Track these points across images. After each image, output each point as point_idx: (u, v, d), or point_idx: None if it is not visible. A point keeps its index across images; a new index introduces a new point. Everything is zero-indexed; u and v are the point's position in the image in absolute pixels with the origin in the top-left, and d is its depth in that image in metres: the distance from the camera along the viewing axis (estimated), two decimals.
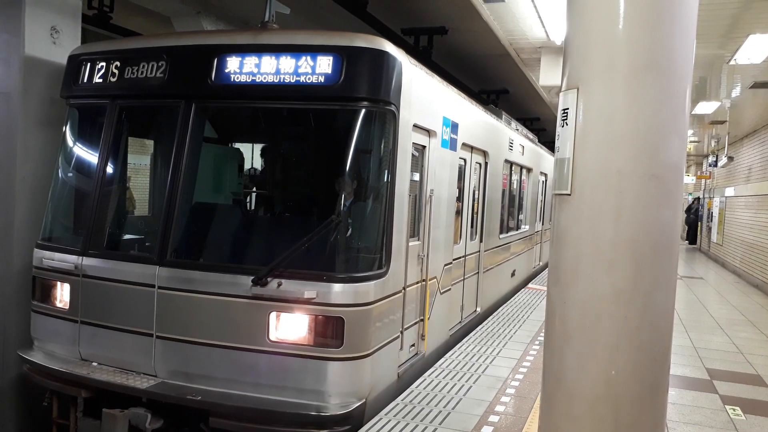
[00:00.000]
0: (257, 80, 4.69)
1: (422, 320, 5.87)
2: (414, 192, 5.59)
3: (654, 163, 2.61)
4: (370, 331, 4.61)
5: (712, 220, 22.70)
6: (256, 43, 4.80)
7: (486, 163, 8.37)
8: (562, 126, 2.83)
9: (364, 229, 5.01)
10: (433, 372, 5.94)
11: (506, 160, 9.66)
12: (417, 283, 5.68)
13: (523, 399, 5.36)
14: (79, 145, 5.61)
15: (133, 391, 4.59)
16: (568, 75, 2.82)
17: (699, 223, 26.90)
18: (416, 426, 4.61)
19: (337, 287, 4.47)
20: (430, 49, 8.88)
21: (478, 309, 8.51)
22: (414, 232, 5.65)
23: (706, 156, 24.90)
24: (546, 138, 18.85)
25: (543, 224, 14.75)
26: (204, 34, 5.78)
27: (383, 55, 4.68)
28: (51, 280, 5.25)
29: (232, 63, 4.76)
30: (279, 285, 4.46)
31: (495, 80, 12.37)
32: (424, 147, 5.72)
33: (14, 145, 5.69)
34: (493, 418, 4.86)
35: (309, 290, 4.42)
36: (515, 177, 11.04)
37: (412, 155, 5.35)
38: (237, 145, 7.27)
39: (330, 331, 4.45)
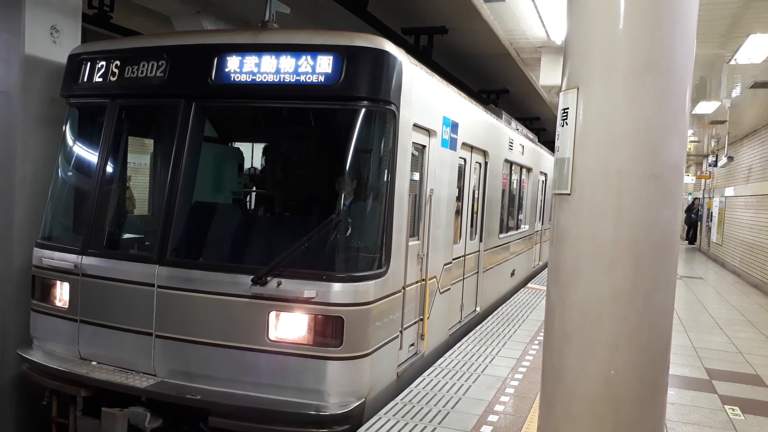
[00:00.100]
0: (257, 80, 4.69)
1: (422, 320, 5.87)
2: (414, 191, 5.59)
3: (654, 163, 2.61)
4: (370, 331, 4.62)
5: (711, 220, 22.70)
6: (256, 43, 4.80)
7: (486, 163, 8.37)
8: (562, 126, 2.83)
9: (363, 229, 5.01)
10: (432, 371, 5.94)
11: (506, 160, 9.66)
12: (416, 282, 5.68)
13: (522, 399, 5.36)
14: (79, 144, 5.61)
15: (132, 391, 4.59)
16: (568, 75, 2.82)
17: (699, 222, 26.90)
18: (415, 425, 4.61)
19: (336, 287, 4.47)
20: (430, 48, 8.88)
21: (478, 308, 8.51)
22: (414, 231, 5.65)
23: (706, 156, 24.90)
24: (546, 138, 18.85)
25: (543, 224, 14.75)
26: (204, 34, 5.77)
27: (383, 54, 4.68)
28: (50, 279, 5.25)
29: (232, 62, 4.76)
30: (279, 284, 4.46)
31: (495, 80, 12.37)
32: (424, 146, 5.72)
33: (14, 144, 5.69)
34: (493, 418, 4.87)
35: (309, 290, 4.42)
36: (515, 176, 11.04)
37: (412, 155, 5.35)
38: (237, 145, 7.27)
39: (329, 330, 4.45)
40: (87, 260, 5.06)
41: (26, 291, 5.54)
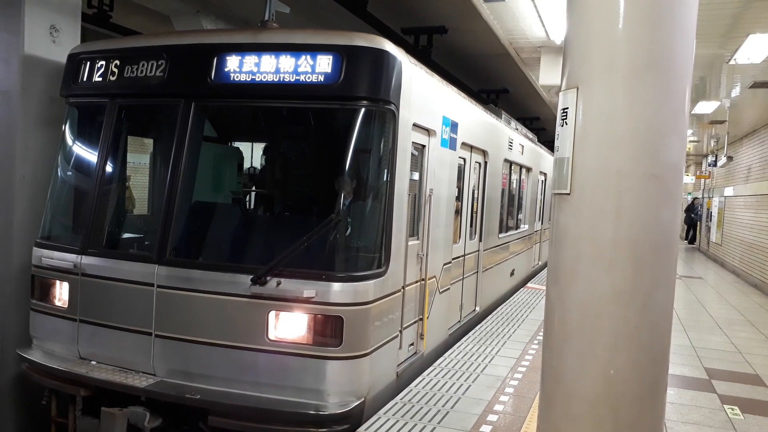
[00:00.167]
0: (257, 79, 4.69)
1: (421, 319, 5.87)
2: (413, 191, 5.59)
3: (654, 163, 2.61)
4: (369, 331, 4.62)
5: (711, 220, 22.71)
6: (255, 42, 4.79)
7: (485, 163, 8.37)
8: (562, 125, 2.83)
9: (363, 229, 5.01)
10: (432, 371, 5.95)
11: (506, 160, 9.66)
12: (416, 282, 5.68)
13: (521, 398, 5.36)
14: (79, 143, 5.61)
15: (131, 390, 4.59)
16: (568, 74, 2.82)
17: (698, 222, 26.92)
18: (415, 425, 4.61)
19: (336, 286, 4.47)
20: (429, 48, 8.88)
21: (477, 308, 8.51)
22: (413, 231, 5.65)
23: (706, 156, 24.91)
24: (546, 137, 18.86)
25: (542, 224, 14.76)
26: (204, 33, 5.77)
27: (383, 54, 4.68)
28: (50, 278, 5.25)
29: (232, 62, 4.76)
30: (278, 284, 4.46)
31: (495, 80, 12.37)
32: (423, 146, 5.72)
33: (14, 143, 5.68)
34: (492, 418, 4.87)
35: (308, 289, 4.42)
36: (515, 176, 11.04)
37: (412, 154, 5.35)
38: (236, 144, 7.27)
39: (329, 330, 4.45)
40: (86, 260, 5.06)
41: (26, 290, 5.53)
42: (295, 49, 4.64)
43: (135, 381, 4.66)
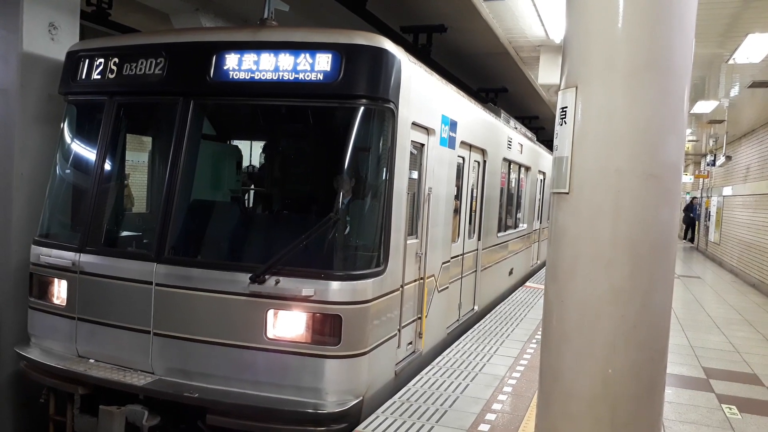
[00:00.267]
0: (256, 77, 4.68)
1: (420, 318, 5.87)
2: (412, 190, 5.59)
3: (652, 163, 2.61)
4: (368, 329, 4.62)
5: (709, 220, 22.74)
6: (254, 41, 4.79)
7: (484, 162, 8.37)
8: (561, 125, 2.83)
9: (362, 227, 5.01)
10: (430, 370, 5.95)
11: (505, 159, 9.66)
12: (415, 281, 5.68)
13: (520, 397, 5.37)
14: (77, 141, 5.60)
15: (130, 388, 4.59)
16: (567, 74, 2.82)
17: (697, 222, 26.95)
18: (413, 424, 4.61)
19: (334, 285, 4.47)
20: (429, 47, 8.87)
21: (476, 307, 8.52)
22: (412, 230, 5.65)
23: (705, 155, 24.94)
24: (545, 136, 18.86)
25: (541, 223, 14.76)
26: (203, 31, 5.76)
27: (382, 52, 4.68)
28: (48, 276, 5.25)
29: (231, 60, 4.75)
30: (277, 282, 4.46)
31: (494, 79, 12.37)
32: (422, 145, 5.71)
33: (12, 141, 5.67)
34: (490, 416, 4.87)
35: (307, 288, 4.41)
36: (514, 175, 11.04)
37: (411, 153, 5.35)
38: (235, 143, 7.26)
39: (327, 328, 4.45)
40: (85, 258, 5.05)
41: (24, 288, 5.53)
42: (295, 48, 4.64)
43: (133, 379, 4.66)
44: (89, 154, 5.41)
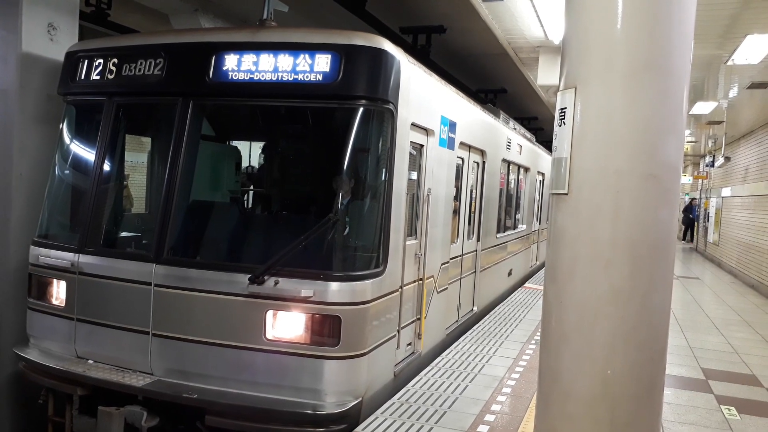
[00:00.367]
0: (255, 78, 4.68)
1: (419, 319, 5.87)
2: (411, 191, 5.59)
3: (651, 163, 2.61)
4: (367, 330, 4.61)
5: (708, 220, 22.76)
6: (254, 41, 4.78)
7: (484, 163, 8.38)
8: (560, 125, 2.83)
9: (361, 228, 5.01)
10: (429, 371, 5.95)
11: (504, 160, 9.67)
12: (414, 282, 5.68)
13: (519, 398, 5.37)
14: (76, 142, 5.59)
15: (129, 389, 4.58)
16: (566, 74, 2.82)
17: (695, 223, 26.97)
18: (412, 425, 4.61)
19: (334, 286, 4.47)
20: (428, 47, 8.87)
21: (475, 308, 8.52)
22: (411, 231, 5.65)
23: (703, 156, 24.96)
24: (544, 137, 18.87)
25: (540, 224, 14.77)
26: (202, 32, 5.76)
27: (382, 53, 4.68)
28: (47, 277, 5.24)
29: (230, 61, 4.75)
30: (276, 283, 4.45)
31: (493, 79, 12.37)
32: (421, 146, 5.71)
33: (11, 142, 5.67)
34: (489, 417, 4.87)
35: (306, 289, 4.41)
36: (513, 176, 11.05)
37: (410, 154, 5.35)
38: (234, 143, 7.26)
39: (327, 329, 4.45)
40: (84, 258, 5.05)
41: (23, 289, 5.52)
42: (294, 48, 4.64)
43: (132, 380, 4.65)
44: (88, 154, 5.41)
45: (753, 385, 6.40)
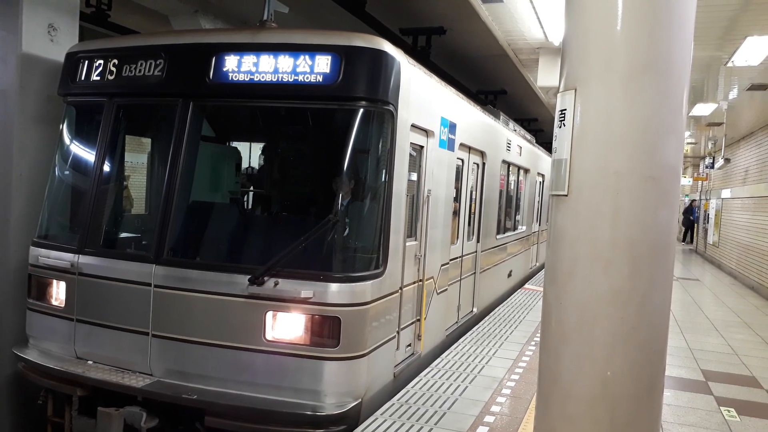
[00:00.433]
0: (255, 79, 4.68)
1: (419, 320, 5.87)
2: (411, 192, 5.59)
3: (651, 164, 2.62)
4: (367, 331, 4.61)
5: (708, 222, 22.76)
6: (254, 42, 4.79)
7: (484, 164, 8.38)
8: (560, 127, 2.84)
9: (361, 229, 5.01)
10: (429, 372, 5.95)
11: (504, 161, 9.67)
12: (414, 283, 5.68)
13: (518, 399, 5.36)
14: (76, 142, 5.60)
15: (128, 390, 4.58)
16: (566, 76, 2.83)
17: (695, 224, 26.98)
18: (412, 426, 4.61)
19: (333, 287, 4.47)
20: (428, 49, 8.88)
21: (475, 309, 8.52)
22: (411, 232, 5.65)
23: (703, 158, 24.97)
24: (544, 139, 18.88)
25: (540, 225, 14.77)
26: (202, 33, 5.76)
27: (382, 54, 4.68)
28: (47, 278, 5.24)
29: (230, 62, 4.75)
30: (276, 284, 4.45)
31: (493, 81, 12.38)
32: (421, 147, 5.72)
33: (10, 142, 5.67)
34: (489, 419, 4.87)
35: (306, 290, 4.41)
36: (513, 177, 11.05)
37: (410, 155, 5.35)
38: (234, 144, 7.26)
39: (326, 330, 4.45)
40: (84, 259, 5.05)
41: (22, 290, 5.52)
42: (294, 49, 4.64)
43: (132, 381, 4.65)
44: (88, 155, 5.41)
45: (753, 387, 6.40)
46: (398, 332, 5.33)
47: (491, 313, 9.10)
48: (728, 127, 15.98)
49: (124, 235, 5.86)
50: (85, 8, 7.29)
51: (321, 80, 4.55)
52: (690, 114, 13.66)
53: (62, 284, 5.15)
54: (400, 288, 5.27)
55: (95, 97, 5.33)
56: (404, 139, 5.09)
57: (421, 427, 4.59)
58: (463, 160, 7.40)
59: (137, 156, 9.48)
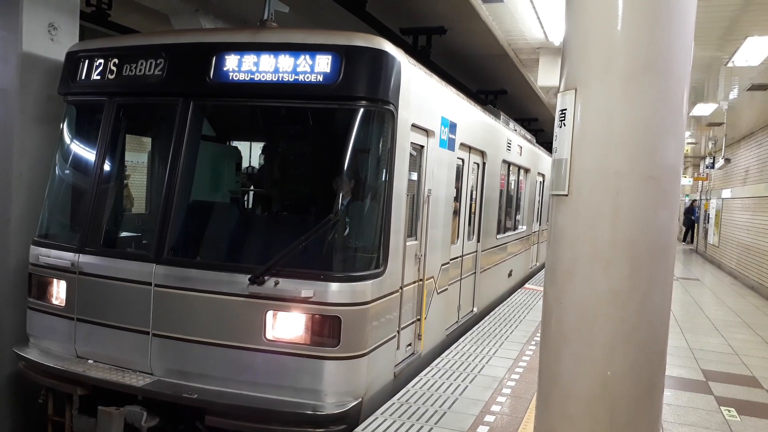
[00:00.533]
0: (255, 78, 4.68)
1: (419, 320, 5.87)
2: (412, 192, 5.59)
3: (651, 165, 2.62)
4: (367, 331, 4.61)
5: (708, 222, 22.76)
6: (254, 42, 4.79)
7: (484, 164, 8.38)
8: (560, 127, 2.84)
9: (361, 229, 5.01)
10: (429, 371, 5.95)
11: (504, 161, 9.67)
12: (414, 282, 5.68)
13: (519, 399, 5.37)
14: (77, 142, 5.60)
15: (128, 389, 4.58)
16: (566, 76, 2.83)
17: (696, 224, 26.98)
18: (412, 425, 4.61)
19: (334, 286, 4.47)
20: (428, 48, 8.88)
21: (475, 309, 8.52)
22: (411, 231, 5.65)
23: (704, 158, 24.96)
24: (544, 138, 18.88)
25: (540, 225, 14.78)
26: (203, 32, 5.76)
27: (382, 54, 4.68)
28: (47, 277, 5.24)
29: (231, 61, 4.75)
30: (276, 284, 4.45)
31: (493, 81, 12.38)
32: (422, 147, 5.72)
33: (11, 141, 5.67)
34: (489, 418, 4.87)
35: (306, 289, 4.41)
36: (513, 177, 11.05)
37: (410, 155, 5.35)
38: (235, 144, 7.26)
39: (327, 330, 4.45)
40: (84, 258, 5.05)
41: (23, 289, 5.52)
42: (294, 49, 4.64)
43: (132, 380, 4.65)
44: (89, 154, 5.41)
45: (753, 387, 6.40)
46: (398, 332, 5.33)
47: (491, 313, 9.11)
48: (728, 127, 15.98)
49: (124, 234, 5.87)
50: (86, 7, 7.29)
51: (321, 80, 4.56)
52: (690, 114, 13.65)
53: (63, 283, 5.15)
54: (401, 287, 5.27)
55: (96, 97, 5.33)
56: (405, 139, 5.09)
57: (422, 427, 4.60)
58: (463, 160, 7.40)
59: (137, 155, 9.48)
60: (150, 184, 6.77)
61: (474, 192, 8.19)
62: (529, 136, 13.10)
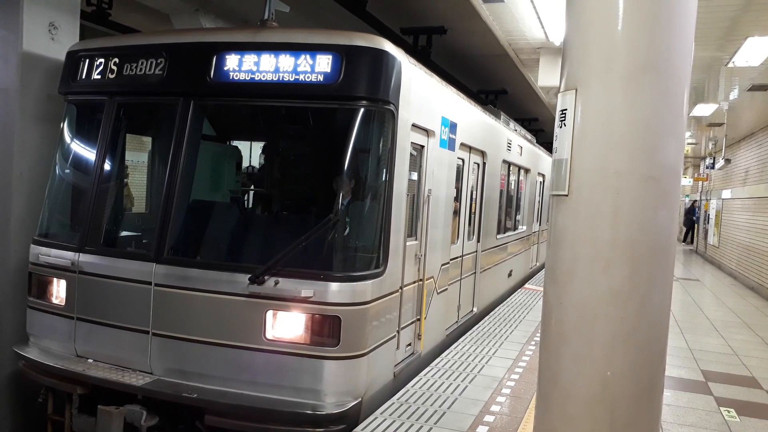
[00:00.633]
0: (256, 78, 4.69)
1: (419, 320, 5.87)
2: (412, 191, 5.59)
3: (651, 165, 2.62)
4: (367, 331, 4.62)
5: (708, 223, 22.76)
6: (255, 41, 4.79)
7: (484, 164, 8.38)
8: (561, 127, 2.84)
9: (361, 229, 5.01)
10: (429, 371, 5.95)
11: (504, 161, 9.67)
12: (414, 282, 5.68)
13: (518, 399, 5.37)
14: (77, 141, 5.60)
15: (128, 389, 4.59)
16: (567, 76, 2.83)
17: (696, 225, 26.98)
18: (411, 425, 4.61)
19: (334, 286, 4.47)
20: (429, 48, 8.88)
21: (475, 309, 8.52)
22: (411, 231, 5.65)
23: (704, 158, 24.96)
24: (544, 139, 18.88)
25: (540, 225, 14.78)
26: (203, 32, 5.76)
27: (383, 54, 4.68)
28: (47, 276, 5.24)
29: (231, 61, 4.75)
30: (276, 283, 4.45)
31: (494, 80, 12.38)
32: (422, 147, 5.72)
33: (11, 141, 5.67)
34: (489, 418, 4.87)
35: (306, 289, 4.41)
36: (513, 177, 11.05)
37: (411, 155, 5.35)
38: (235, 143, 7.26)
39: (327, 330, 4.45)
40: (84, 258, 5.05)
41: (23, 288, 5.52)
42: (295, 49, 4.64)
43: (132, 379, 4.65)
44: (89, 154, 5.41)
45: (753, 387, 6.40)
46: (398, 332, 5.33)
47: (491, 313, 9.11)
48: (729, 127, 15.98)
49: (124, 233, 5.87)
50: (86, 7, 7.29)
51: (322, 79, 4.56)
52: (691, 114, 13.66)
53: (63, 282, 5.15)
54: (401, 287, 5.27)
55: (96, 96, 5.33)
56: (405, 139, 5.09)
57: (421, 427, 4.60)
58: (463, 160, 7.40)
59: (138, 155, 9.48)
60: (150, 183, 6.77)
61: (474, 192, 8.19)
62: (529, 136, 13.11)
